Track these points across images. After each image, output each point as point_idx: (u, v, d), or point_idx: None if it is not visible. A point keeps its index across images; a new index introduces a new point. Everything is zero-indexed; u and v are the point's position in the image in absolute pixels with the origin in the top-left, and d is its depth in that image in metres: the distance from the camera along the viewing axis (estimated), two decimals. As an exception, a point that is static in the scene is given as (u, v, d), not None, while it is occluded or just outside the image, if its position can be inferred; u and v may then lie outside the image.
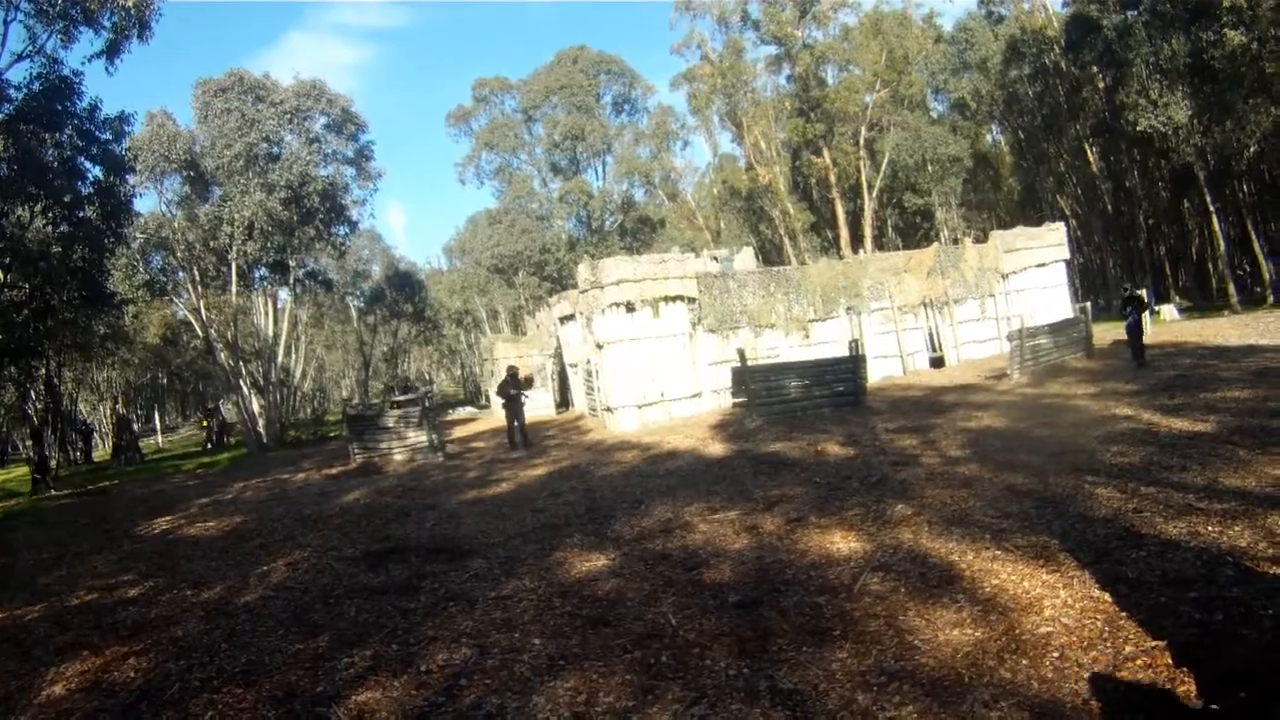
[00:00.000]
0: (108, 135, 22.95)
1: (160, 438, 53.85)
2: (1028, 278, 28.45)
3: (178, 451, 40.17)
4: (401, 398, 26.82)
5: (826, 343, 25.19)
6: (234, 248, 32.27)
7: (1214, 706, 4.52)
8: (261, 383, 38.51)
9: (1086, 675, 5.12)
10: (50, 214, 22.28)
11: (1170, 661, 5.09)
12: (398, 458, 21.19)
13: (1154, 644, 5.36)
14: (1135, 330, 20.48)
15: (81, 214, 22.77)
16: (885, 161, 52.07)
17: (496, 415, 30.73)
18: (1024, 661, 5.44)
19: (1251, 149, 33.96)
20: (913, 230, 61.06)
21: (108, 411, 54.16)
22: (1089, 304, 27.64)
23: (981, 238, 35.10)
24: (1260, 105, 32.38)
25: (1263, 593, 5.87)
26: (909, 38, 50.94)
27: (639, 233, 57.12)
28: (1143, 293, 24.70)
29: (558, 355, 32.61)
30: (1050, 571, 6.93)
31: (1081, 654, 5.43)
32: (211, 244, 33.22)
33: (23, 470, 28.71)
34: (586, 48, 56.94)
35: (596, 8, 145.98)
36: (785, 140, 53.84)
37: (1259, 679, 4.69)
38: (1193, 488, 8.82)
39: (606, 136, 56.38)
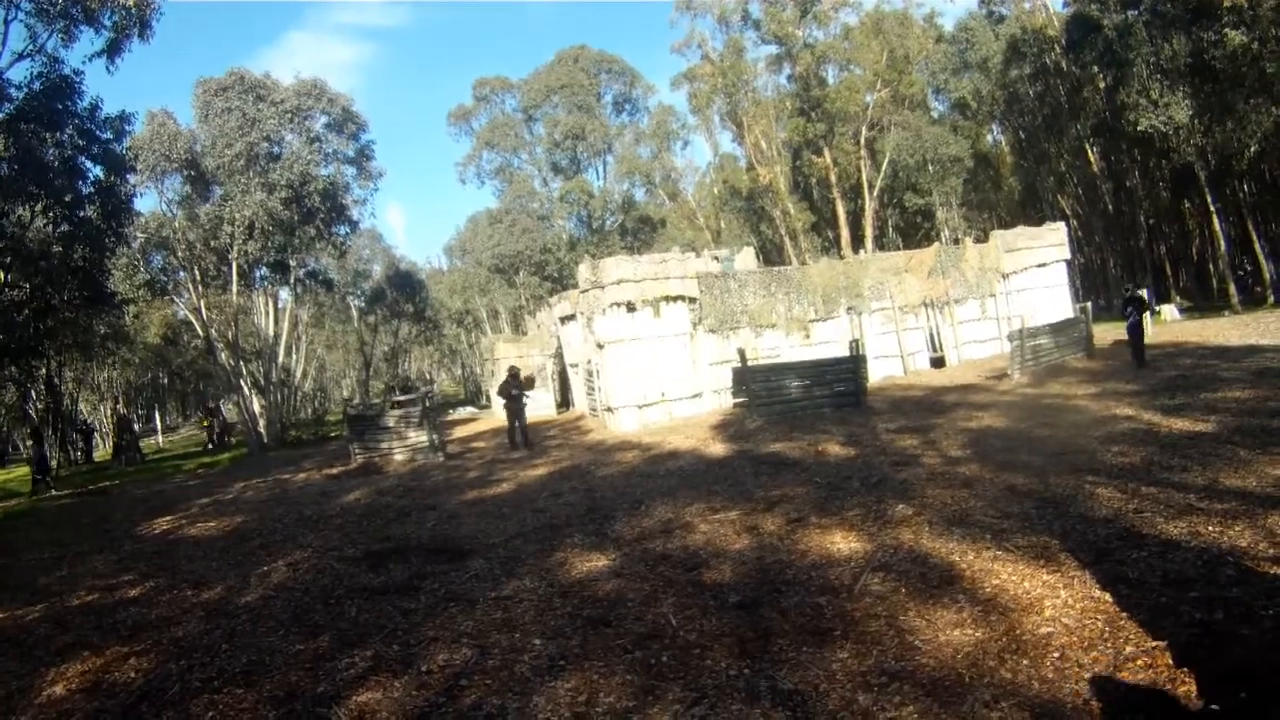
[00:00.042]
0: (108, 134, 22.97)
1: (161, 438, 53.82)
2: (1028, 278, 28.43)
3: (178, 451, 40.15)
4: (402, 398, 26.79)
5: (827, 343, 25.19)
6: (235, 247, 32.27)
7: (1214, 706, 4.52)
8: (262, 383, 38.51)
9: (1087, 675, 5.11)
10: (51, 213, 22.31)
11: (1171, 662, 5.09)
12: (398, 458, 21.18)
13: (1154, 644, 5.36)
14: (1136, 331, 20.47)
15: (82, 213, 22.78)
16: (886, 161, 52.05)
17: (497, 415, 30.72)
18: (1024, 662, 5.44)
19: (1252, 149, 33.92)
20: (913, 230, 61.06)
21: (108, 411, 54.14)
22: (1089, 304, 27.64)
23: (982, 238, 35.08)
24: (1261, 105, 32.35)
25: (1263, 592, 5.87)
26: (910, 37, 50.93)
27: (640, 232, 57.14)
28: (1144, 293, 24.69)
29: (558, 355, 32.60)
30: (1051, 572, 6.93)
31: (1082, 654, 5.43)
32: (212, 243, 33.22)
33: (23, 470, 28.72)
34: (587, 47, 57.02)
35: (597, 7, 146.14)
36: (786, 140, 53.81)
37: (1259, 679, 4.69)
38: (1193, 488, 8.82)
39: (607, 136, 56.42)
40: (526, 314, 50.77)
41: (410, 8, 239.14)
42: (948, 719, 4.88)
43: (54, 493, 24.12)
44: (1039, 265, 28.62)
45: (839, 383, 20.31)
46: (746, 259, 31.02)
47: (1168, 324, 31.69)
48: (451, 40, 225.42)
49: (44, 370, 35.16)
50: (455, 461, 20.63)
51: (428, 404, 22.54)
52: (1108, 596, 6.25)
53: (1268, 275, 36.96)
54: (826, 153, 52.39)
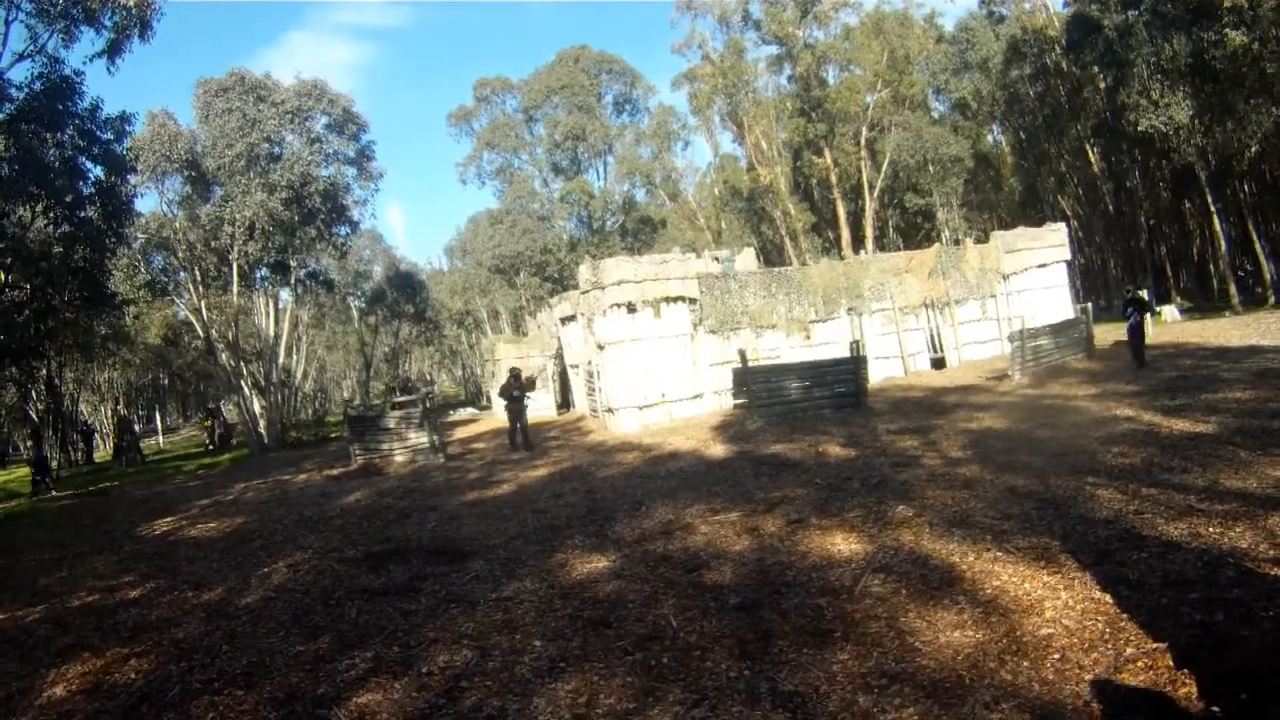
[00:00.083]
0: (109, 135, 22.97)
1: (161, 438, 53.81)
2: (1029, 278, 28.42)
3: (179, 452, 40.16)
4: (402, 399, 26.80)
5: (828, 344, 25.19)
6: (235, 248, 32.27)
7: (1215, 708, 4.52)
8: (263, 383, 38.50)
9: (1088, 677, 5.11)
10: (51, 214, 22.32)
11: (1171, 663, 5.09)
12: (399, 459, 21.18)
13: (1155, 645, 5.36)
14: (1137, 331, 20.46)
15: (83, 214, 22.79)
16: (886, 162, 52.06)
17: (497, 416, 30.72)
18: (1025, 663, 5.44)
19: (1253, 149, 33.90)
20: (914, 231, 61.06)
21: (109, 412, 54.14)
22: (1090, 305, 27.63)
23: (983, 238, 35.07)
24: (1261, 105, 32.34)
25: (1263, 594, 5.87)
26: (910, 38, 50.98)
27: (640, 233, 57.15)
28: (1145, 294, 24.68)
29: (559, 356, 32.60)
30: (1051, 573, 6.93)
31: (1082, 655, 5.42)
32: (213, 244, 33.22)
33: (24, 471, 28.72)
34: (588, 47, 57.06)
35: (597, 7, 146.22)
36: (786, 140, 53.82)
37: (1260, 680, 4.69)
38: (1194, 489, 8.82)
39: (608, 136, 56.44)
40: (527, 315, 50.77)
41: (410, 8, 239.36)
42: (948, 721, 4.89)
43: (54, 493, 24.12)
44: (1039, 266, 28.61)
45: (839, 384, 20.30)
46: (747, 260, 31.02)
47: (1168, 324, 31.68)
48: (452, 40, 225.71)
49: (44, 371, 35.12)
50: (456, 463, 20.63)
51: (428, 405, 22.54)
52: (1108, 598, 6.25)
53: (1268, 276, 36.93)
54: (827, 153, 52.42)
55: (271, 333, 38.25)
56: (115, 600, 9.89)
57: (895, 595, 6.96)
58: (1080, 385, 18.74)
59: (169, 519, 16.17)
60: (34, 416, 38.32)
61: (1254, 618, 5.53)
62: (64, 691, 6.96)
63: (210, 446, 38.49)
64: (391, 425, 22.00)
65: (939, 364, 26.99)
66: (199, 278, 33.79)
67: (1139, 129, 35.75)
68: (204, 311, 33.69)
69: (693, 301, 23.84)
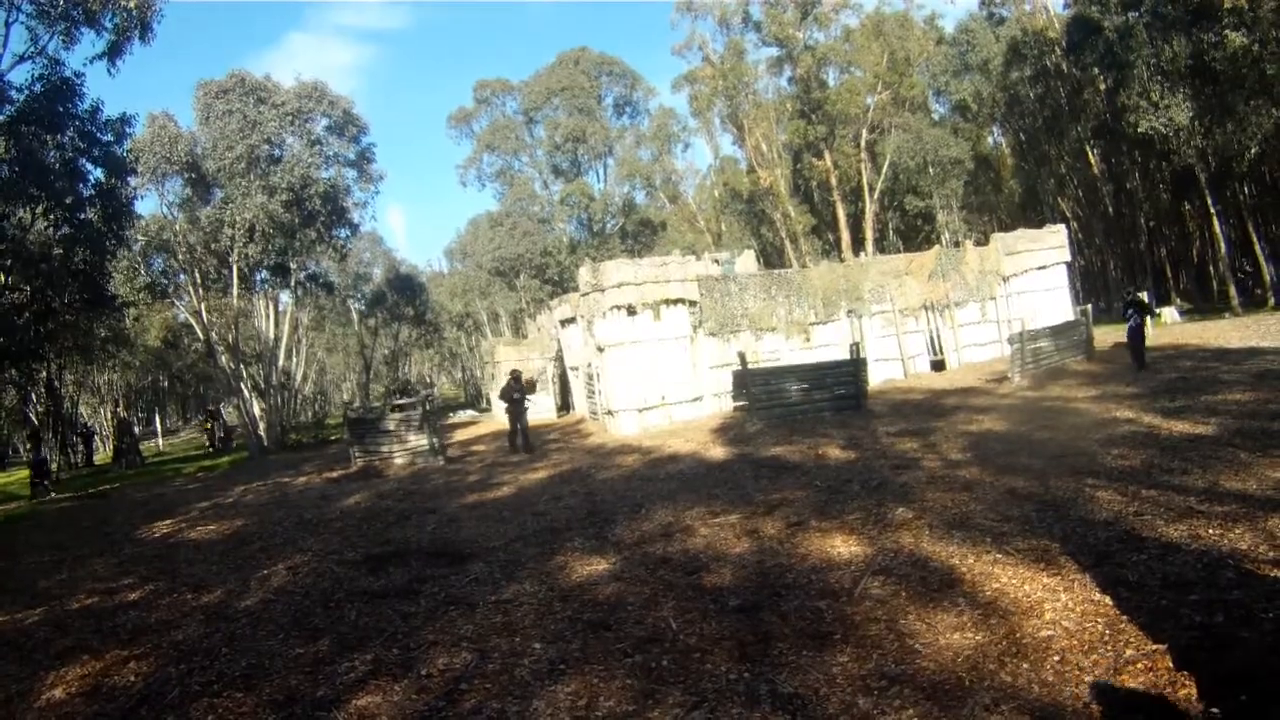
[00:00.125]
0: (109, 137, 23.01)
1: (161, 441, 53.78)
2: (1029, 280, 28.42)
3: (178, 454, 40.14)
4: (402, 401, 26.76)
5: (827, 346, 25.20)
6: (235, 250, 32.28)
7: (1215, 709, 4.52)
8: (262, 386, 38.51)
9: (1087, 679, 5.11)
10: (52, 216, 22.34)
11: (1171, 664, 5.09)
12: (398, 461, 21.18)
13: (1155, 647, 5.35)
14: (1137, 333, 20.44)
15: (83, 216, 22.82)
16: (886, 164, 52.05)
17: (497, 418, 30.73)
18: (1025, 665, 5.44)
19: (1253, 151, 33.92)
20: (914, 233, 61.06)
21: (108, 414, 54.15)
22: (1090, 306, 27.61)
23: (982, 240, 35.07)
24: (1261, 107, 32.36)
25: (1263, 595, 5.86)
26: (910, 39, 50.97)
27: (640, 235, 57.18)
28: (1144, 295, 24.68)
29: (558, 358, 32.60)
30: (1051, 575, 6.93)
31: (1082, 657, 5.42)
32: (213, 246, 33.22)
33: (24, 473, 28.73)
34: (588, 49, 57.12)
35: (597, 9, 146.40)
36: (786, 142, 53.82)
37: (1260, 681, 4.69)
38: (1193, 491, 8.81)
39: (608, 139, 56.50)
40: (527, 317, 50.80)
41: (410, 9, 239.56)
42: (948, 723, 4.88)
43: (53, 496, 24.12)
44: (1039, 268, 28.61)
45: (839, 386, 20.30)
46: (747, 262, 31.05)
47: (1168, 326, 31.68)
48: (452, 42, 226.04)
49: (44, 373, 35.14)
50: (455, 465, 20.63)
51: (428, 407, 22.53)
52: (1108, 599, 6.25)
53: (1268, 277, 36.94)
54: (827, 155, 52.42)
55: (271, 335, 38.27)
56: (115, 603, 9.88)
57: (895, 597, 6.95)
58: (1080, 387, 18.74)
59: (168, 521, 16.17)
60: (33, 419, 38.34)
61: (1254, 619, 5.53)
62: (63, 694, 6.96)
63: (211, 449, 38.50)
64: (391, 428, 21.99)
65: (939, 366, 27.00)
66: (199, 280, 33.80)
67: (1139, 131, 35.77)
68: (204, 314, 33.70)
69: (693, 304, 23.84)
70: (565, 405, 32.92)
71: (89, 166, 23.26)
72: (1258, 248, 37.71)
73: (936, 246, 33.21)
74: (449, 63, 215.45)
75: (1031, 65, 45.31)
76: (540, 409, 30.05)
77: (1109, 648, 5.50)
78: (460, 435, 29.64)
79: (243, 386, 35.64)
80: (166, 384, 65.35)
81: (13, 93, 21.02)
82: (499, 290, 59.34)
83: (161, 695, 6.65)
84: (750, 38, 52.97)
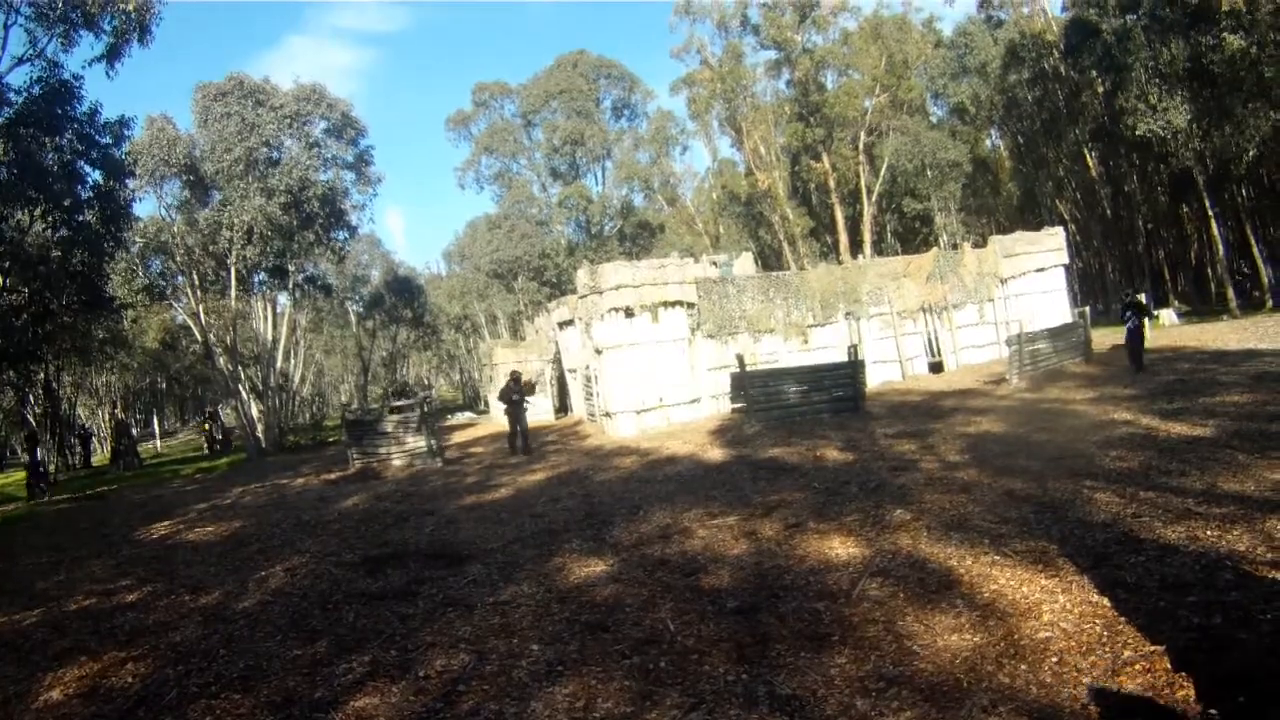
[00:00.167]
0: (108, 139, 23.02)
1: (159, 442, 53.81)
2: (1026, 283, 28.47)
3: (176, 456, 40.12)
4: (400, 403, 26.78)
5: (825, 348, 25.23)
6: (233, 252, 32.26)
7: (1213, 711, 4.52)
8: (260, 388, 38.47)
9: (1085, 680, 5.11)
10: (50, 218, 22.34)
11: (1169, 666, 5.09)
12: (396, 463, 21.17)
13: (1153, 648, 5.35)
14: (1135, 335, 20.46)
15: (81, 218, 22.82)
16: (884, 166, 52.10)
17: (495, 420, 30.74)
18: (1023, 666, 5.43)
19: (1250, 153, 33.98)
20: (912, 235, 61.10)
21: (106, 416, 54.16)
22: (1088, 309, 27.64)
23: (981, 243, 35.16)
24: (1259, 110, 32.42)
25: (1261, 597, 5.86)
26: (908, 42, 51.01)
27: (638, 238, 57.23)
28: (1143, 298, 24.70)
29: (557, 360, 32.61)
30: (1049, 576, 6.93)
31: (1080, 659, 5.42)
32: (211, 248, 33.19)
33: (22, 475, 28.70)
34: (586, 52, 57.23)
35: (596, 9, 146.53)
36: (785, 145, 53.88)
37: (1258, 683, 4.69)
38: (1191, 492, 8.82)
39: (606, 141, 56.55)
40: (525, 319, 50.81)
41: (409, 10, 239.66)
42: (946, 724, 4.88)
43: (48, 498, 24.12)
44: (1037, 270, 28.66)
45: (837, 388, 20.31)
46: (745, 264, 31.09)
47: (1166, 328, 31.72)
48: (450, 45, 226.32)
49: (42, 375, 35.14)
50: (453, 467, 20.62)
51: (426, 409, 22.53)
52: (1106, 601, 6.24)
53: (1266, 279, 37.01)
54: (825, 158, 52.47)
55: (269, 337, 38.22)
56: (112, 604, 9.87)
57: (893, 599, 6.95)
58: (1078, 389, 18.75)
59: (166, 523, 16.15)
60: (31, 420, 38.31)
61: (1252, 621, 5.53)
62: (61, 695, 6.95)
63: (210, 450, 38.48)
64: (389, 429, 21.99)
65: (937, 368, 27.02)
66: (197, 282, 33.78)
67: (1137, 133, 35.83)
68: (202, 316, 33.67)
69: (690, 306, 23.85)
70: (563, 407, 32.94)
71: (87, 169, 23.28)
72: (1255, 250, 37.80)
73: (934, 249, 33.21)
74: (447, 65, 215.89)
75: (1029, 68, 45.41)
76: (538, 411, 30.05)
77: (1107, 649, 5.50)
78: (458, 437, 29.63)
79: (241, 388, 35.60)
80: (164, 386, 65.33)
81: (11, 95, 21.04)
82: (497, 292, 59.32)
83: (159, 696, 6.64)
84: (749, 41, 53.12)
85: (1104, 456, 11.24)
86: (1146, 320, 22.08)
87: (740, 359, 22.47)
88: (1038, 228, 33.75)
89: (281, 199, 31.63)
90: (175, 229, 32.60)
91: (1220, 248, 38.70)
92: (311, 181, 33.26)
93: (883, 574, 7.58)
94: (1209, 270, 46.32)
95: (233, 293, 33.91)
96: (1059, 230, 30.22)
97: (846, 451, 14.60)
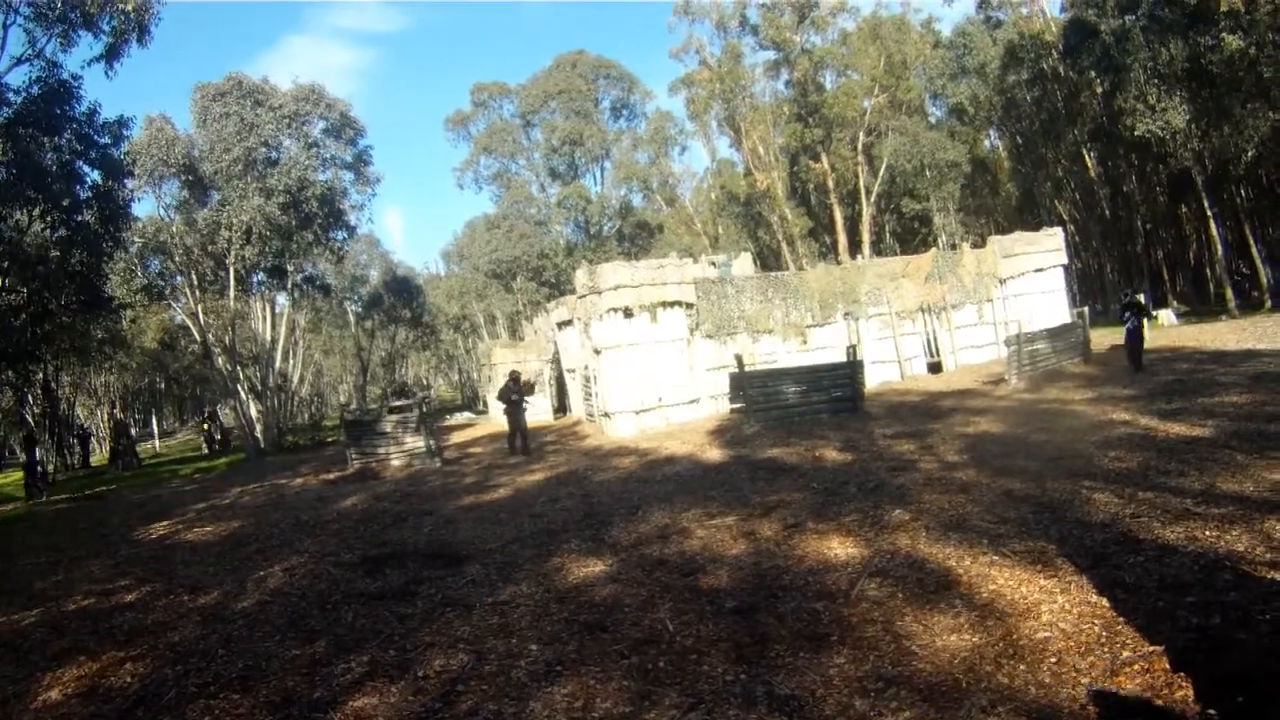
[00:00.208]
0: (106, 139, 23.00)
1: (158, 442, 53.76)
2: (1025, 283, 28.47)
3: (175, 456, 40.10)
4: (399, 403, 26.78)
5: (824, 348, 25.23)
6: (232, 252, 32.24)
7: (1211, 711, 4.52)
8: (259, 388, 38.47)
9: (1084, 680, 5.11)
10: (49, 218, 22.30)
11: (1168, 666, 5.09)
12: (395, 463, 21.16)
13: (1151, 649, 5.35)
14: (1134, 336, 20.47)
15: (80, 218, 22.79)
16: (883, 167, 52.11)
17: (494, 420, 30.72)
18: (1021, 667, 5.43)
19: (1249, 154, 33.98)
20: (911, 235, 61.10)
21: (105, 416, 54.11)
22: (1086, 309, 27.64)
23: (979, 243, 35.17)
24: (1258, 110, 32.43)
25: (1260, 597, 5.86)
26: (907, 43, 51.03)
27: (637, 238, 57.23)
28: (1142, 298, 24.70)
29: (555, 361, 32.61)
30: (1048, 576, 6.93)
31: (1079, 659, 5.42)
32: (209, 248, 33.18)
33: (20, 475, 28.67)
34: (585, 52, 57.24)
35: (595, 9, 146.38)
36: (783, 145, 53.89)
37: (1257, 683, 4.69)
38: (1190, 493, 8.82)
39: (605, 142, 56.57)
40: (524, 319, 50.82)
41: (408, 10, 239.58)
42: (944, 724, 4.88)
43: (45, 497, 24.12)
44: (1036, 270, 28.66)
45: (836, 388, 20.31)
46: (744, 264, 31.11)
47: (1165, 329, 31.73)
48: (449, 45, 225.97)
49: (41, 375, 35.09)
50: (452, 467, 20.61)
51: (424, 409, 22.53)
52: (1105, 601, 6.25)
53: (1265, 280, 37.03)
54: (824, 158, 52.47)
55: (268, 337, 38.23)
56: (111, 604, 9.87)
57: (891, 599, 6.95)
58: (1077, 389, 18.75)
59: (165, 523, 16.15)
60: (29, 421, 38.28)
61: (1250, 621, 5.53)
62: (59, 695, 6.95)
63: (208, 450, 38.47)
64: (388, 429, 21.99)
65: (935, 368, 27.02)
66: (196, 282, 33.79)
67: (1136, 134, 35.83)
68: (201, 316, 33.68)
69: (689, 306, 23.85)
70: (562, 407, 32.93)
71: (86, 169, 23.25)
72: (1254, 250, 37.82)
73: (933, 249, 33.24)
74: (446, 65, 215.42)
75: (1028, 68, 45.39)
76: (537, 411, 30.03)
77: (1106, 649, 5.50)
78: (457, 437, 29.63)
79: (240, 388, 35.60)
80: (163, 386, 65.29)
81: (10, 95, 21.02)
82: (496, 293, 59.29)
83: (158, 696, 6.64)
84: (747, 41, 53.10)
85: (1103, 457, 11.24)
86: (1145, 320, 22.07)
87: (739, 359, 22.46)
88: (1036, 228, 33.76)
89: (280, 199, 31.61)
90: (174, 229, 32.60)
91: (1219, 248, 38.73)
92: (310, 181, 33.25)
93: (881, 574, 7.58)
94: (1208, 270, 46.34)
95: (231, 293, 33.90)
96: (1058, 231, 30.23)
97: (845, 452, 14.60)
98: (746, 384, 20.77)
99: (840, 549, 8.57)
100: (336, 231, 37.25)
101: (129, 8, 21.91)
